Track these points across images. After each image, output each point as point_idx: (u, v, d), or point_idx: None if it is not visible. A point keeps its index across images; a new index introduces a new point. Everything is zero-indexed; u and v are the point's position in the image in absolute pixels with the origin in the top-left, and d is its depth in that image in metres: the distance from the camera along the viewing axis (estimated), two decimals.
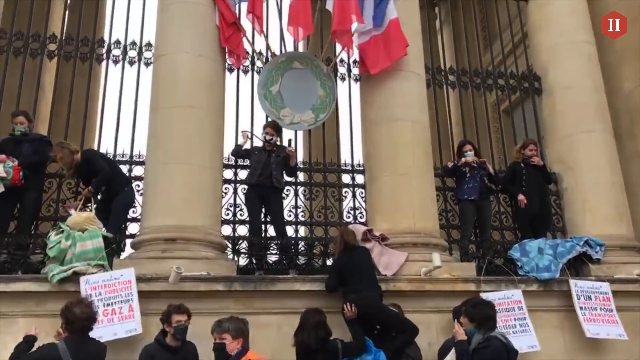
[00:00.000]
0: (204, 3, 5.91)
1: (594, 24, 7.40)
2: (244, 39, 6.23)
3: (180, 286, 4.78)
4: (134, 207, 5.67)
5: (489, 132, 7.51)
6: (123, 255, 5.32)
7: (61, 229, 5.01)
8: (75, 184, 5.68)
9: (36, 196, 5.48)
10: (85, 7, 6.73)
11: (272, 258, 5.68)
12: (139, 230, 5.44)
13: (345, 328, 4.86)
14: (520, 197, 6.42)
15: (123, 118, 6.04)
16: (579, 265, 6.16)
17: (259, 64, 6.46)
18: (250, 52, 6.44)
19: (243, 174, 6.04)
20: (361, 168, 6.37)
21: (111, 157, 5.78)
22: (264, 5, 6.27)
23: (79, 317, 3.74)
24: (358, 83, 6.66)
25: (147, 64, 6.20)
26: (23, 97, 5.99)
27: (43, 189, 5.61)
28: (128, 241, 5.45)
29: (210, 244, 5.22)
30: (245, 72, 6.45)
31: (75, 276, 4.73)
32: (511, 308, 5.41)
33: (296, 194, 6.17)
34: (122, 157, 5.88)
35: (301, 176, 6.44)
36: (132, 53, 6.26)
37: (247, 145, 6.13)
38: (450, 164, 6.58)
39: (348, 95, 6.75)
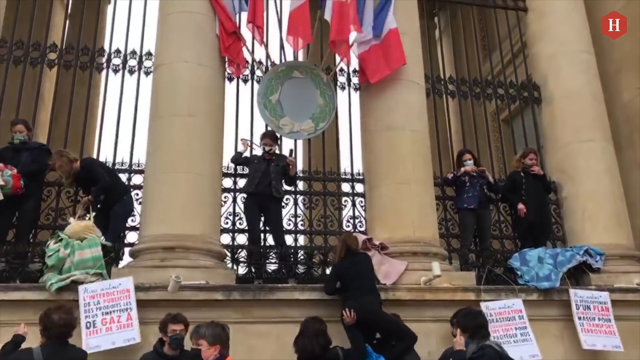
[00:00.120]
0: (204, 12, 5.93)
1: (593, 33, 7.44)
2: (244, 48, 6.25)
3: (179, 295, 4.76)
4: (133, 215, 5.66)
5: (488, 141, 7.52)
6: (122, 263, 5.31)
7: (60, 238, 5.00)
8: (74, 193, 5.67)
9: (35, 204, 5.48)
10: (85, 17, 6.77)
11: (272, 267, 5.66)
12: (137, 238, 5.43)
13: (345, 337, 4.84)
14: (520, 206, 6.42)
15: (122, 127, 6.06)
16: (579, 275, 6.14)
17: (258, 73, 6.48)
18: (250, 61, 6.46)
19: (242, 183, 6.03)
20: (361, 177, 6.37)
21: (110, 165, 5.78)
22: (264, 15, 6.30)
23: (56, 323, 3.74)
24: (358, 92, 6.68)
25: (147, 73, 6.22)
26: (23, 106, 6.00)
27: (42, 198, 5.60)
28: (127, 250, 5.43)
29: (209, 253, 5.20)
30: (245, 81, 6.47)
31: (74, 285, 4.72)
32: (512, 317, 5.39)
33: (296, 203, 6.17)
34: (122, 165, 5.89)
35: (301, 185, 6.44)
36: (132, 62, 6.28)
37: (247, 153, 6.13)
38: (450, 175, 6.58)
39: (348, 104, 6.76)
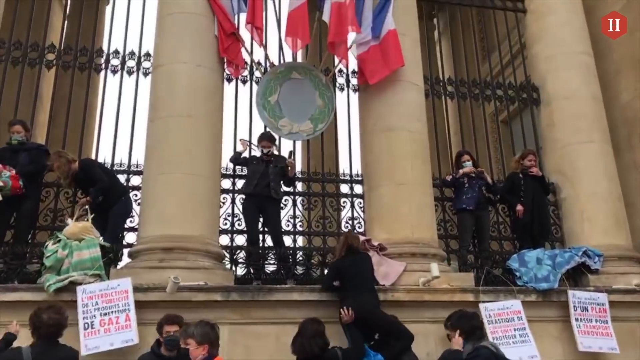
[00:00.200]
0: (202, 13, 5.93)
1: (592, 35, 7.45)
2: (243, 49, 6.25)
3: (178, 296, 4.75)
4: (132, 216, 5.66)
5: (487, 142, 7.52)
6: (120, 264, 5.31)
7: (58, 239, 4.99)
8: (73, 194, 5.67)
9: (33, 205, 5.47)
10: (84, 17, 6.76)
11: (270, 268, 5.65)
12: (136, 239, 5.43)
13: (343, 338, 4.84)
14: (519, 207, 6.42)
15: (121, 127, 6.05)
16: (577, 276, 6.14)
17: (257, 74, 6.48)
18: (249, 62, 6.46)
19: (241, 184, 6.02)
20: (359, 178, 6.36)
21: (109, 166, 5.77)
22: (264, 16, 6.30)
23: (45, 323, 3.74)
24: (357, 93, 6.68)
25: (145, 74, 6.22)
26: (21, 107, 5.99)
27: (40, 198, 5.59)
28: (125, 251, 5.43)
29: (208, 254, 5.20)
30: (244, 82, 6.47)
31: (72, 286, 4.70)
32: (510, 318, 5.38)
33: (294, 204, 6.17)
34: (120, 166, 5.88)
35: (299, 186, 6.43)
36: (131, 63, 6.28)
37: (246, 153, 6.12)
38: (448, 178, 6.58)
39: (347, 105, 6.77)
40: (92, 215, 5.38)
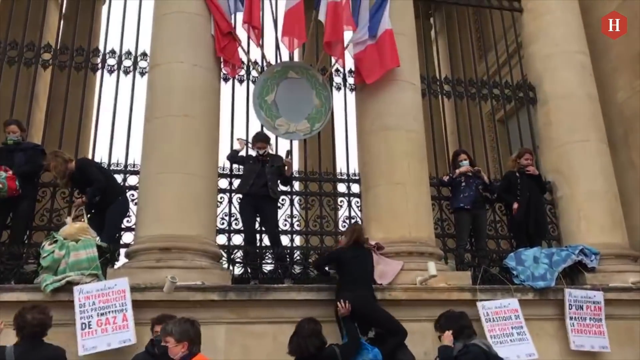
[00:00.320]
0: (199, 13, 5.92)
1: (588, 34, 7.47)
2: (239, 49, 6.24)
3: (175, 296, 4.75)
4: (129, 216, 5.65)
5: (484, 141, 7.52)
6: (117, 264, 5.29)
7: (55, 239, 4.97)
8: (69, 194, 5.66)
9: (29, 205, 5.45)
10: (80, 17, 6.74)
11: (268, 267, 5.65)
12: (133, 239, 5.42)
13: (340, 336, 4.84)
14: (515, 205, 6.43)
15: (118, 127, 6.04)
16: (574, 274, 6.15)
17: (254, 73, 6.47)
18: (246, 62, 6.45)
19: (238, 184, 6.02)
20: (357, 177, 6.37)
21: (105, 166, 5.76)
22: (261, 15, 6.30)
23: (29, 323, 3.75)
24: (353, 92, 6.68)
25: (142, 74, 6.21)
26: (17, 107, 5.98)
27: (36, 198, 5.58)
28: (122, 251, 5.41)
29: (205, 254, 5.19)
30: (241, 81, 6.47)
31: (69, 286, 4.69)
32: (508, 317, 5.39)
33: (292, 203, 6.17)
34: (117, 166, 5.87)
35: (297, 185, 6.43)
36: (127, 62, 6.27)
37: (243, 152, 6.12)
38: (445, 178, 6.59)
39: (344, 104, 6.77)
40: (88, 216, 5.38)
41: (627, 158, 7.31)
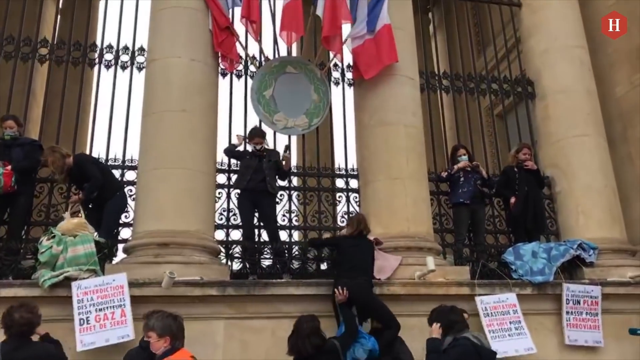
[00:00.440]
0: (196, 7, 5.89)
1: (586, 28, 7.45)
2: (237, 44, 6.22)
3: (173, 291, 4.74)
4: (126, 211, 5.63)
5: (482, 136, 7.52)
6: (115, 260, 5.27)
7: (53, 234, 4.96)
8: (67, 189, 5.64)
9: (27, 201, 5.43)
10: (77, 11, 6.71)
11: (266, 262, 5.65)
12: (131, 235, 5.41)
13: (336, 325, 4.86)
14: (512, 199, 6.44)
15: (115, 123, 6.02)
16: (572, 269, 6.16)
17: (252, 68, 6.45)
18: (244, 57, 6.43)
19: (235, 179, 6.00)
20: (355, 172, 6.37)
21: (103, 161, 5.74)
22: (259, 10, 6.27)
23: (17, 322, 3.76)
24: (352, 87, 6.66)
25: (139, 69, 6.18)
26: (14, 102, 5.94)
27: (34, 194, 5.56)
28: (120, 246, 5.40)
29: (204, 249, 5.18)
30: (239, 76, 6.44)
31: (67, 281, 4.68)
32: (506, 311, 5.40)
33: (290, 199, 6.16)
34: (115, 161, 5.85)
35: (295, 181, 6.42)
36: (125, 57, 6.24)
37: (241, 147, 6.10)
38: (444, 174, 6.57)
39: (342, 99, 6.76)
40: (85, 212, 5.37)
41: (625, 153, 7.31)
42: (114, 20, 6.37)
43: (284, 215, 6.07)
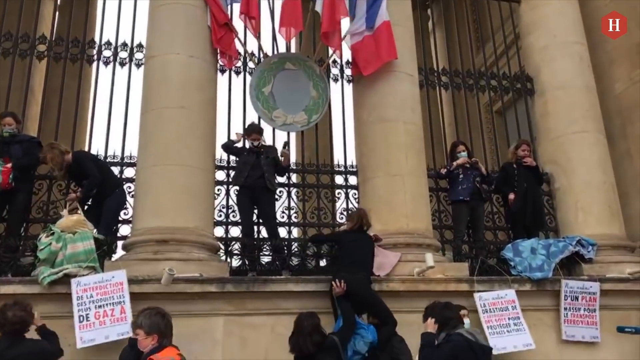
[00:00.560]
0: (195, 4, 5.87)
1: (586, 25, 7.44)
2: (236, 40, 6.20)
3: (173, 287, 4.75)
4: (126, 208, 5.63)
5: (481, 133, 7.52)
6: (115, 257, 5.28)
7: (52, 231, 4.96)
8: (66, 186, 5.63)
9: (25, 198, 5.43)
10: (75, 8, 6.68)
11: (265, 259, 5.66)
12: (130, 232, 5.41)
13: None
14: (511, 196, 6.44)
15: (114, 119, 6.01)
16: (571, 265, 6.17)
17: (251, 64, 6.44)
18: (242, 53, 6.41)
19: (233, 176, 6.00)
20: (354, 169, 6.36)
21: (102, 158, 5.73)
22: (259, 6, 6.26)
23: (10, 320, 3.76)
24: (351, 84, 6.65)
25: (138, 65, 6.17)
26: (12, 98, 5.93)
27: (33, 191, 5.55)
28: (120, 243, 5.40)
29: (203, 246, 5.18)
30: (238, 73, 6.43)
31: (66, 278, 4.68)
32: (505, 307, 5.42)
33: (289, 195, 6.16)
34: (113, 158, 5.85)
35: (294, 177, 6.42)
36: (123, 54, 6.22)
37: (239, 145, 6.09)
38: (443, 171, 6.56)
39: (341, 96, 6.75)
40: (85, 208, 5.37)
41: (624, 149, 7.31)
42: (112, 16, 6.36)
43: (283, 212, 6.07)
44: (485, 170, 6.61)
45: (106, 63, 6.19)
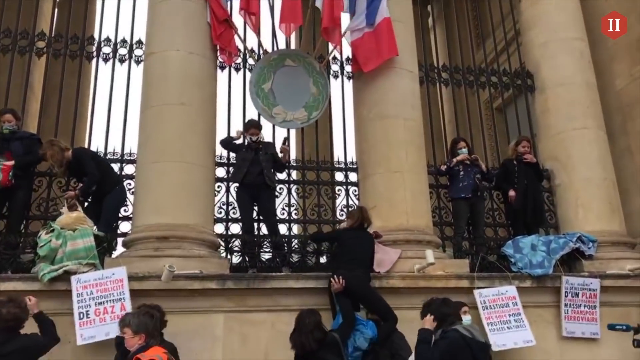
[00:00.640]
0: (194, 0, 5.85)
1: (587, 21, 7.42)
2: (236, 36, 6.19)
3: (173, 284, 4.74)
4: (126, 205, 5.62)
5: (482, 129, 7.51)
6: (115, 254, 5.27)
7: (52, 228, 4.95)
8: (66, 183, 5.62)
9: (25, 195, 5.43)
10: (74, 4, 6.68)
11: (266, 256, 5.66)
12: (130, 228, 5.40)
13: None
14: (511, 192, 6.44)
15: (114, 116, 6.00)
16: (572, 261, 6.17)
17: (250, 61, 6.43)
18: (242, 50, 6.40)
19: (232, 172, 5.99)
20: (354, 166, 6.35)
21: (102, 155, 5.72)
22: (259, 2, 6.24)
23: (3, 317, 3.78)
24: (351, 80, 6.64)
25: (137, 62, 6.16)
26: (12, 95, 5.92)
27: (32, 188, 5.55)
28: (120, 240, 5.39)
29: (203, 242, 5.18)
30: (237, 69, 6.41)
31: (66, 275, 4.68)
32: (505, 304, 5.41)
33: (289, 192, 6.15)
34: (113, 155, 5.84)
35: (294, 174, 6.41)
36: (123, 51, 6.21)
37: (238, 142, 6.08)
38: (443, 167, 6.55)
39: (341, 92, 6.73)
40: (85, 205, 5.36)
41: (625, 145, 7.30)
42: (111, 13, 6.35)
43: (283, 209, 6.06)
44: (485, 167, 6.60)
45: (106, 60, 6.18)
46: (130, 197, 5.61)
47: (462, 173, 6.40)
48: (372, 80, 6.16)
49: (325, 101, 6.33)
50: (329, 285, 4.90)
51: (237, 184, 5.87)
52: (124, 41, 6.23)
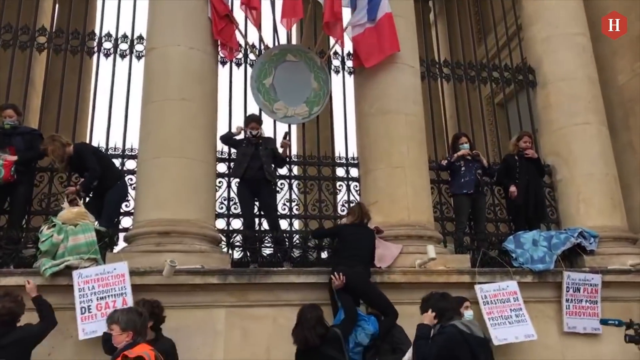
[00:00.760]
0: None
1: (589, 16, 7.40)
2: (237, 32, 6.17)
3: (174, 279, 4.75)
4: (127, 200, 5.63)
5: (483, 125, 7.50)
6: (116, 249, 5.29)
7: (53, 223, 4.95)
8: (67, 178, 5.63)
9: (27, 190, 5.43)
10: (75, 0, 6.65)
11: (267, 251, 5.66)
12: (132, 224, 5.41)
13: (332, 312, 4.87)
14: (512, 188, 6.43)
15: (115, 111, 5.99)
16: (573, 257, 6.16)
17: (252, 56, 6.42)
18: (243, 45, 6.39)
19: (233, 168, 5.99)
20: (355, 161, 6.35)
21: (103, 151, 5.72)
22: None
23: None
24: (352, 76, 6.63)
25: (138, 57, 6.15)
26: (13, 91, 5.92)
27: (34, 183, 5.56)
28: (121, 235, 5.40)
29: (205, 238, 5.18)
30: (238, 64, 6.41)
31: (68, 270, 4.69)
32: (506, 299, 5.42)
33: (290, 188, 6.15)
34: (115, 150, 5.84)
35: (295, 169, 6.41)
36: (124, 46, 6.20)
37: (241, 136, 6.08)
38: (444, 162, 6.55)
39: (342, 88, 6.72)
40: (87, 200, 5.37)
41: (627, 141, 7.28)
42: (112, 8, 6.34)
43: (284, 204, 6.07)
44: (486, 162, 6.60)
45: (107, 55, 6.17)
46: (131, 192, 5.61)
47: (463, 168, 6.39)
48: (374, 76, 6.15)
49: (326, 96, 6.32)
50: (329, 281, 4.91)
51: (238, 179, 5.87)
52: (125, 36, 6.22)
